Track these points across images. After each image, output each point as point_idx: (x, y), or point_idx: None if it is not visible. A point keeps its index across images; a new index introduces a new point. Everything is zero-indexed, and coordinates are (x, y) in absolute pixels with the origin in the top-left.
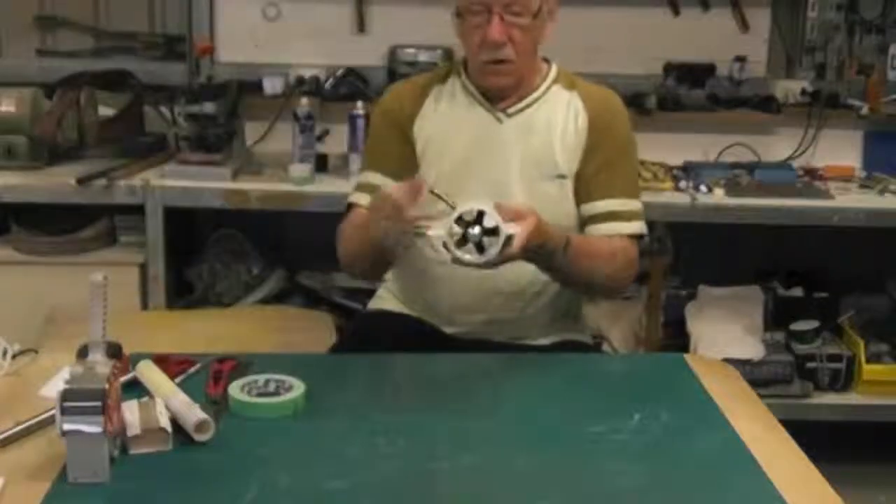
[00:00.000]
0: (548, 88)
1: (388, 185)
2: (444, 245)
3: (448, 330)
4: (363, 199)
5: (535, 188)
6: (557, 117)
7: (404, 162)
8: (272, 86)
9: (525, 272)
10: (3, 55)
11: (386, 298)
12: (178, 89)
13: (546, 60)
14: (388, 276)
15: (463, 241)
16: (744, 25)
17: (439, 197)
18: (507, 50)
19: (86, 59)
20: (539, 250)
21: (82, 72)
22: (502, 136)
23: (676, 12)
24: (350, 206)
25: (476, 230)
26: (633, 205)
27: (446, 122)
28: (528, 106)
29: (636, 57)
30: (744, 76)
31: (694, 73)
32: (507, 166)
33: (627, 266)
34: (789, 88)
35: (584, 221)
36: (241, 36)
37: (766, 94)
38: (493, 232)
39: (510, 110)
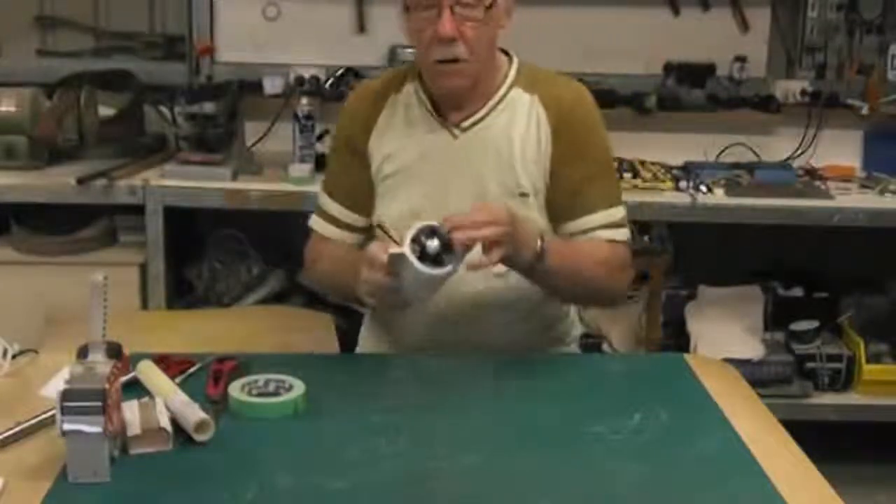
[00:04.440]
0: (506, 92)
1: (344, 216)
2: (400, 259)
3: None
4: (324, 228)
5: None
6: (517, 129)
7: (360, 191)
8: (272, 86)
9: (489, 292)
10: (3, 55)
11: (368, 341)
12: (178, 89)
13: (506, 53)
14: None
15: (423, 255)
16: (744, 25)
17: (386, 232)
18: (460, 48)
19: (86, 59)
20: (515, 254)
21: (82, 72)
22: (457, 155)
23: (676, 12)
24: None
25: (434, 243)
26: (617, 213)
27: (400, 139)
28: (484, 117)
29: (636, 57)
30: (744, 76)
31: (694, 73)
32: (465, 187)
33: (621, 269)
34: (789, 88)
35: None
36: (241, 36)
37: (766, 94)
38: (449, 248)
39: (465, 124)
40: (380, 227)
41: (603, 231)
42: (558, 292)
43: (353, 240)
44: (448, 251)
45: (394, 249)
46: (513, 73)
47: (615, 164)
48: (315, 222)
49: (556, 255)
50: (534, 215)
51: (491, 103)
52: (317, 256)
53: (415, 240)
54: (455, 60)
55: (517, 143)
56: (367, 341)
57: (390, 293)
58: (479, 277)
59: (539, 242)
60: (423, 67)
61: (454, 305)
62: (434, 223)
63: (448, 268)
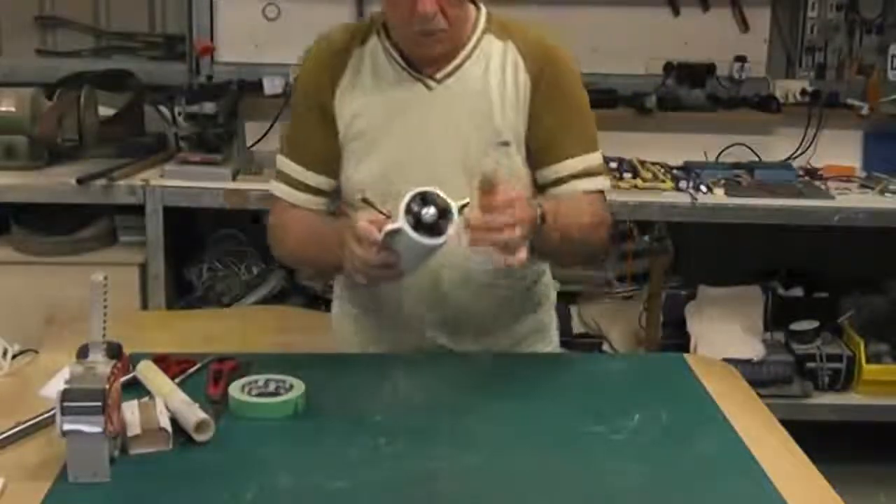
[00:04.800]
0: (479, 40)
1: (311, 179)
2: (396, 233)
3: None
4: (289, 194)
5: (477, 160)
6: (493, 76)
7: (327, 151)
8: (272, 86)
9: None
10: (3, 55)
11: (344, 322)
12: (178, 89)
13: (473, 3)
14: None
15: (418, 225)
16: (744, 25)
17: (371, 205)
18: (440, 21)
19: (86, 59)
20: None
21: (82, 72)
22: (434, 107)
23: (676, 12)
24: (275, 197)
25: (431, 211)
26: (594, 159)
27: (369, 96)
28: (459, 66)
29: (636, 57)
30: (744, 76)
31: (694, 73)
32: (444, 140)
33: (603, 224)
34: (789, 88)
35: (545, 185)
36: (241, 36)
37: (766, 94)
38: (445, 213)
39: (439, 75)
40: (364, 200)
41: (581, 181)
42: (547, 257)
43: (320, 204)
44: (443, 216)
45: (389, 226)
46: (482, 21)
47: (592, 111)
48: (277, 188)
49: (552, 224)
50: (516, 165)
51: (464, 53)
52: (283, 227)
53: (407, 210)
54: (435, 31)
55: (495, 91)
56: (342, 323)
57: (384, 269)
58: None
59: (539, 211)
60: (399, 36)
61: (436, 274)
62: (425, 189)
63: (447, 235)
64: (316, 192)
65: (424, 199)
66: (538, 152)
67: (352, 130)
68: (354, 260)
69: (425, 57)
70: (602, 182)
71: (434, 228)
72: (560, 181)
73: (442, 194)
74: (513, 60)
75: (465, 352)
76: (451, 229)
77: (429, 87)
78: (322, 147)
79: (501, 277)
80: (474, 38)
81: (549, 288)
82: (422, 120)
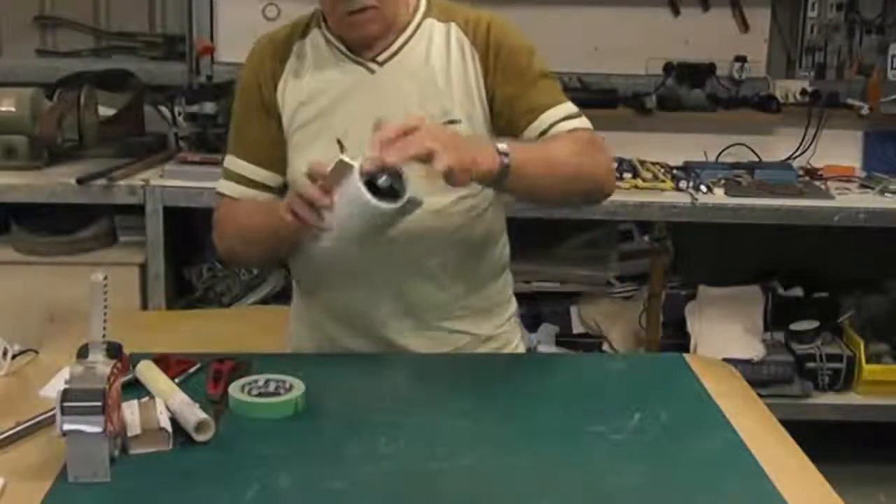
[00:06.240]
0: (419, 24)
1: (256, 175)
2: (344, 178)
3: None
4: (233, 190)
5: None
6: (436, 56)
7: (271, 145)
8: None
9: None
10: (3, 55)
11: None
12: (178, 89)
13: None
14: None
15: (372, 189)
16: (744, 25)
17: (342, 147)
18: None
19: (86, 59)
20: (478, 166)
21: (82, 72)
22: (378, 90)
23: (676, 12)
24: (220, 194)
25: (383, 178)
26: (570, 107)
27: (312, 85)
28: (401, 48)
29: (636, 57)
30: (744, 76)
31: (694, 73)
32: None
33: (595, 150)
34: (789, 88)
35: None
36: (241, 36)
37: (766, 94)
38: (397, 193)
39: (381, 58)
40: (339, 142)
41: (563, 123)
42: (541, 195)
43: (266, 200)
44: (397, 191)
45: (343, 157)
46: (423, 5)
47: (551, 71)
48: (223, 186)
49: (521, 153)
50: None
51: (405, 35)
52: (228, 217)
53: (361, 172)
54: (364, 9)
55: (439, 71)
56: (298, 327)
57: (310, 206)
58: (415, 222)
59: (496, 145)
60: (332, 22)
61: (389, 266)
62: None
63: (393, 204)
64: (263, 187)
65: (383, 169)
66: (514, 121)
67: (296, 121)
68: (291, 195)
69: (360, 39)
70: (584, 121)
71: (384, 196)
72: (544, 133)
73: (403, 171)
74: (458, 40)
75: (425, 353)
76: (406, 195)
77: (371, 71)
78: (267, 142)
79: (457, 277)
80: (415, 22)
81: (508, 293)
82: (366, 104)
